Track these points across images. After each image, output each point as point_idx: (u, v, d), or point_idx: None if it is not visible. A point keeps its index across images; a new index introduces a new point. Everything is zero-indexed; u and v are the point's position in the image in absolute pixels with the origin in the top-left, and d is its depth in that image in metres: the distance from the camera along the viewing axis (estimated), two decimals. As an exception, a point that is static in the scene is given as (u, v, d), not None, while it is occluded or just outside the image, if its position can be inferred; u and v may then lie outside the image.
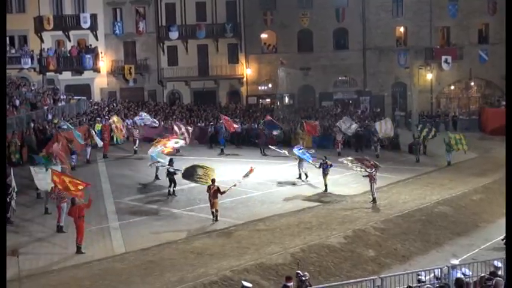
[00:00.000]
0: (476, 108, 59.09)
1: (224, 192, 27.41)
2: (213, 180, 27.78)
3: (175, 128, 42.13)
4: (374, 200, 30.75)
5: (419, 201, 31.19)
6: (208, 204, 27.45)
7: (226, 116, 45.53)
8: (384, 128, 44.14)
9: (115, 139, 43.50)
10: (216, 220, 27.12)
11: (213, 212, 27.29)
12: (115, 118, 42.80)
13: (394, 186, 34.84)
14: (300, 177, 35.84)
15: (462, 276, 16.94)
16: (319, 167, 33.33)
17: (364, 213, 28.86)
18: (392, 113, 56.98)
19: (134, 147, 41.34)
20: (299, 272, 17.18)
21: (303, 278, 16.71)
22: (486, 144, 48.80)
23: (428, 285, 16.38)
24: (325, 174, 33.09)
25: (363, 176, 31.63)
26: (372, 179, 30.85)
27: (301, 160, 35.67)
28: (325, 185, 33.11)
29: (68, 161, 29.31)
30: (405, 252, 24.87)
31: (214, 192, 27.15)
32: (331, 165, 33.17)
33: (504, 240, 23.09)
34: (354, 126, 45.33)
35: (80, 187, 23.98)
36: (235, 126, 44.31)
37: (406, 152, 45.33)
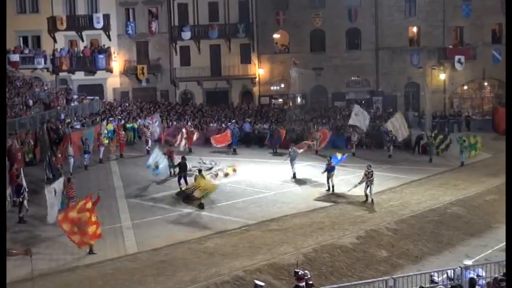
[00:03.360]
0: (489, 108, 58.81)
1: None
2: (200, 170, 29.67)
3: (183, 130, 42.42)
4: (372, 201, 30.61)
5: (432, 202, 31.09)
6: (220, 204, 27.60)
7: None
8: (398, 124, 43.85)
9: (129, 139, 43.69)
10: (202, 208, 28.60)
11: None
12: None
13: (407, 187, 34.72)
14: (294, 176, 35.83)
15: (476, 277, 16.87)
16: (324, 171, 33.16)
17: (376, 214, 28.80)
18: (405, 113, 56.77)
19: (146, 147, 41.40)
20: (297, 270, 16.90)
21: (302, 277, 16.40)
22: (499, 145, 48.29)
23: (441, 286, 16.32)
24: (329, 175, 32.98)
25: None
26: (367, 180, 30.69)
27: (292, 159, 35.80)
28: (329, 186, 32.87)
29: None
30: (418, 252, 24.79)
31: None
32: (333, 168, 33.02)
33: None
34: (368, 117, 45.13)
35: (94, 219, 22.78)
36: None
37: (419, 152, 45.16)
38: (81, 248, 22.59)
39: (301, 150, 36.90)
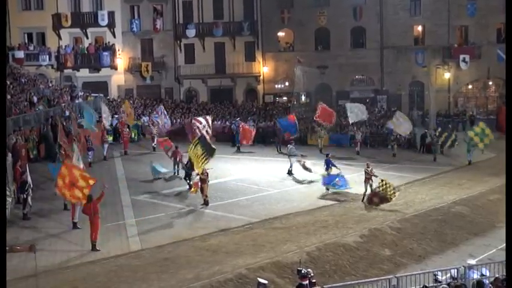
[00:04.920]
0: (494, 107, 58.63)
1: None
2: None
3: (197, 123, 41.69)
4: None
5: (436, 201, 31.04)
6: (223, 202, 27.62)
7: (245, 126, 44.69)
8: (398, 123, 43.60)
9: (133, 135, 43.81)
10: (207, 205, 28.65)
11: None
12: (126, 104, 43.28)
13: (410, 186, 34.70)
14: (289, 172, 35.96)
15: (480, 276, 16.86)
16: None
17: (380, 212, 28.76)
18: (410, 112, 56.75)
19: (152, 144, 41.46)
20: (300, 268, 16.84)
21: (306, 275, 16.36)
22: (504, 144, 48.31)
23: (445, 285, 16.29)
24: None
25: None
26: (368, 179, 30.64)
27: (290, 156, 35.83)
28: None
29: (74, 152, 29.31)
30: (421, 251, 24.74)
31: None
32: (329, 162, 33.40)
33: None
34: (363, 107, 44.72)
35: (91, 182, 23.79)
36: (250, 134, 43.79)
37: (423, 151, 45.11)
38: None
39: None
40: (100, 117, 41.23)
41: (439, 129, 46.52)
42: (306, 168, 35.43)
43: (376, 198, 29.53)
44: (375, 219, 27.44)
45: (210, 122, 40.92)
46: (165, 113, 44.27)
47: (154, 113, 44.55)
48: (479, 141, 41.39)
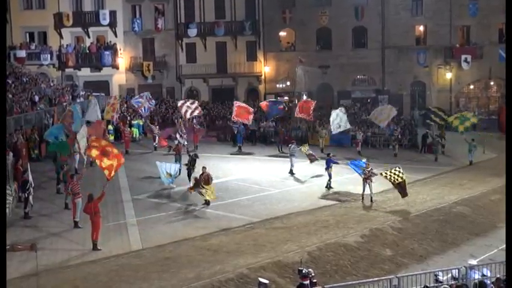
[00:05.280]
0: (495, 108, 58.67)
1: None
2: (204, 168, 29.23)
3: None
4: (371, 199, 30.51)
5: (437, 201, 31.05)
6: (224, 202, 27.62)
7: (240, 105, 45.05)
8: (378, 114, 43.34)
9: (135, 135, 43.84)
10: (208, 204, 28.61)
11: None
12: (115, 97, 43.66)
13: (412, 186, 34.56)
14: (291, 172, 36.02)
15: (481, 277, 16.84)
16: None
17: (381, 212, 28.75)
18: (411, 112, 56.78)
19: (154, 143, 41.47)
20: (301, 268, 16.81)
21: (307, 275, 16.34)
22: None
23: (446, 286, 16.27)
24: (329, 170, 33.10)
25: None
26: (367, 178, 30.60)
27: (291, 155, 35.97)
28: (328, 183, 33.03)
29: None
30: (422, 252, 24.73)
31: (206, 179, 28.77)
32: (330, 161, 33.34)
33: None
34: (346, 119, 42.64)
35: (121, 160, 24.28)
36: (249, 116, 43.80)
37: (425, 151, 45.10)
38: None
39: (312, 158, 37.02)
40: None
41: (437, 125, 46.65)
42: (311, 157, 36.12)
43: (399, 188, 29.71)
44: (376, 219, 27.44)
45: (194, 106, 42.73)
46: (150, 97, 44.25)
47: (137, 97, 44.67)
48: (459, 124, 41.62)
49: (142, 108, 43.16)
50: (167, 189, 31.57)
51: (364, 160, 32.69)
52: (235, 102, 45.60)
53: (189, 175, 31.69)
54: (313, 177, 35.33)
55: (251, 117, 43.57)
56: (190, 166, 32.01)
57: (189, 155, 33.49)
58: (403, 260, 23.74)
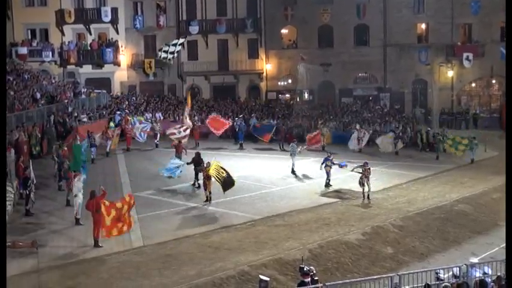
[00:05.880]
0: (497, 106, 58.60)
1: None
2: (208, 164, 28.87)
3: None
4: (368, 196, 30.46)
5: (438, 199, 31.05)
6: (226, 199, 27.62)
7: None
8: (383, 141, 43.73)
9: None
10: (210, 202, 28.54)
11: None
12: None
13: (413, 184, 34.70)
14: (293, 171, 35.97)
15: (482, 275, 16.84)
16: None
17: (382, 210, 28.75)
18: (413, 110, 56.79)
19: (155, 141, 41.47)
20: (303, 266, 16.69)
21: (308, 273, 16.32)
22: (507, 143, 48.29)
23: (447, 284, 16.27)
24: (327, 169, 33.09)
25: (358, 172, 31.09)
26: (365, 176, 30.53)
27: (292, 154, 35.98)
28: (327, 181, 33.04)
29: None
30: (424, 250, 24.75)
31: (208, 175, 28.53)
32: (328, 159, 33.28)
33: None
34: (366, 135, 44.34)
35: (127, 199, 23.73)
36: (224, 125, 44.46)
37: (426, 149, 45.08)
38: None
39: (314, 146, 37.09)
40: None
41: (441, 129, 46.56)
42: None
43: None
44: (377, 217, 27.45)
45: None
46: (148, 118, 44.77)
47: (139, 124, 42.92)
48: (455, 150, 41.81)
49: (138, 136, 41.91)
50: (169, 186, 31.58)
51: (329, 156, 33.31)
52: (209, 115, 46.54)
53: (196, 175, 31.58)
54: (314, 175, 35.28)
55: (222, 131, 44.39)
56: (196, 166, 31.68)
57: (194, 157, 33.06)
58: (404, 257, 23.76)
